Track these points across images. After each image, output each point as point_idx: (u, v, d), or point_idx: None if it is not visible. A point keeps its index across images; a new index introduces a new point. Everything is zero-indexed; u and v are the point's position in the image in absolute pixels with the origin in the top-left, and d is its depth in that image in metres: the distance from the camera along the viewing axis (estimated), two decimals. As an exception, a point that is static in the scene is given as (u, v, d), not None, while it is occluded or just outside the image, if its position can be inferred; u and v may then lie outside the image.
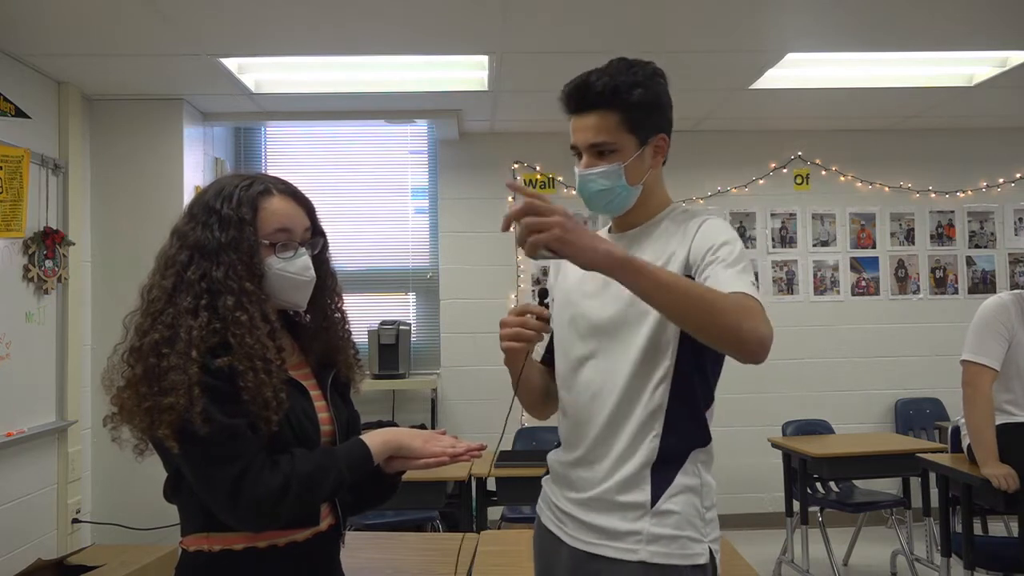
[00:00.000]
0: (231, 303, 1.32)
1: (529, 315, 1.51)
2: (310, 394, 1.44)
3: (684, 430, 1.48)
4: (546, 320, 1.53)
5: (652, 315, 1.45)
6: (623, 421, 1.48)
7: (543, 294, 1.59)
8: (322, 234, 1.50)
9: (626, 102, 1.50)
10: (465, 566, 2.24)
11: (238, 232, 1.36)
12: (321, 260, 1.49)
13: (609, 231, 1.67)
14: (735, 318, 1.29)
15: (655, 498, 1.45)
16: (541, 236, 1.24)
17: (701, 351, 1.43)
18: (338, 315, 1.54)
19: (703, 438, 1.51)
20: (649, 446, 1.46)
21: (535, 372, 1.69)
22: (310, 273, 1.44)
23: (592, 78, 1.52)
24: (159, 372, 1.27)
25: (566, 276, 1.66)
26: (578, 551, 1.50)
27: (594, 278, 1.50)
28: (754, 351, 1.30)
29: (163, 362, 1.27)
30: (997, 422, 3.08)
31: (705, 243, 1.46)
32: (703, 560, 1.44)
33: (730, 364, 1.49)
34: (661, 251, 1.52)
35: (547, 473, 1.67)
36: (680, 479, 1.47)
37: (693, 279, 1.42)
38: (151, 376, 1.27)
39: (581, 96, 1.52)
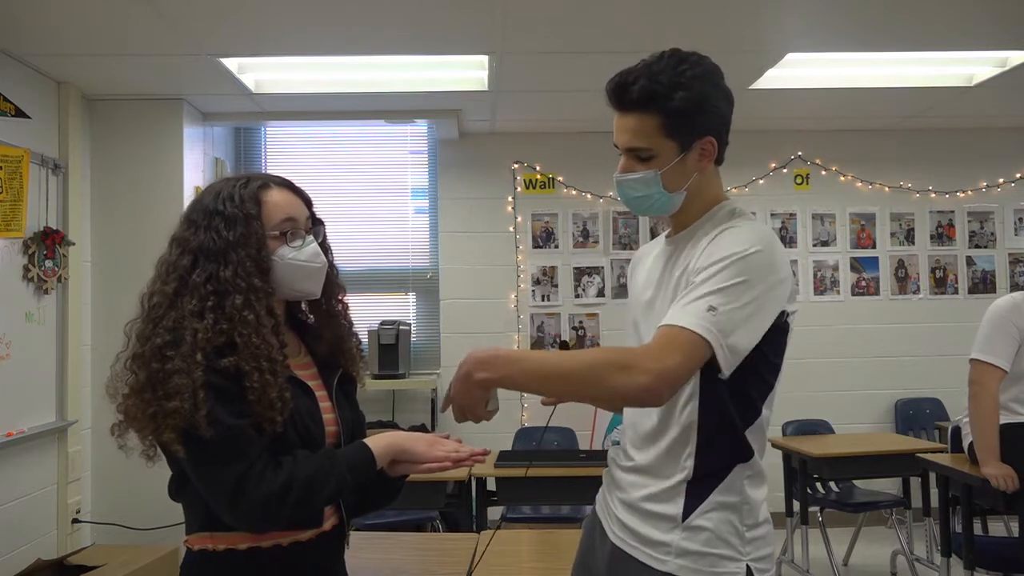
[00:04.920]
0: (239, 302, 1.32)
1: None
2: (315, 395, 1.44)
3: (721, 446, 1.43)
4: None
5: None
6: (660, 436, 1.47)
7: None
8: (321, 223, 1.50)
9: (665, 107, 1.40)
10: (465, 566, 2.24)
11: (245, 228, 1.36)
12: (324, 249, 1.49)
13: (667, 234, 1.61)
14: (601, 384, 1.32)
15: (687, 512, 1.42)
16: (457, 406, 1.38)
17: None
18: (340, 306, 1.54)
19: (744, 454, 1.44)
20: (685, 462, 1.44)
21: None
22: (321, 259, 1.45)
23: (630, 79, 1.42)
24: (163, 376, 1.27)
25: (634, 281, 1.68)
26: (618, 548, 1.51)
27: (644, 288, 1.57)
28: (637, 401, 1.38)
29: (167, 365, 1.27)
30: (1001, 421, 3.06)
31: (705, 260, 1.38)
32: None
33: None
34: (688, 259, 1.46)
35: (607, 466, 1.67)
36: (716, 496, 1.42)
37: None
38: (155, 381, 1.27)
39: (619, 97, 1.44)
